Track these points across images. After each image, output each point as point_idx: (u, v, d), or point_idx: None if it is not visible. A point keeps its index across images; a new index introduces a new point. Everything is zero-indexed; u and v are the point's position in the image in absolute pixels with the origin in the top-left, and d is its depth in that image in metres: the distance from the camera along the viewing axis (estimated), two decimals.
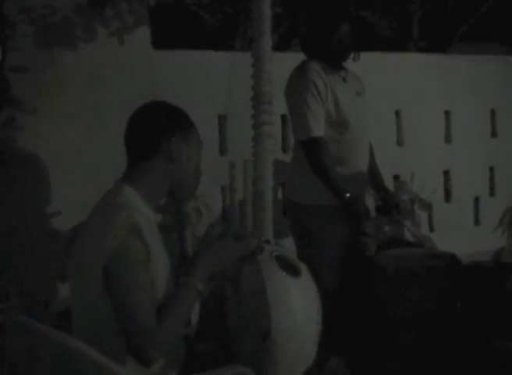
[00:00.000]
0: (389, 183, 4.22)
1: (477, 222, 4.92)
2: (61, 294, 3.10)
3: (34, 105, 3.09)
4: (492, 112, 4.96)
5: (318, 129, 2.85)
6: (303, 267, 2.04)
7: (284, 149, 3.98)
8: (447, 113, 4.72)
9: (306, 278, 2.01)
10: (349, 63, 3.04)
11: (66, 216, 3.16)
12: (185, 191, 1.89)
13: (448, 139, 4.74)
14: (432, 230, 4.59)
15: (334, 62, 2.97)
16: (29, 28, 3.10)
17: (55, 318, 2.63)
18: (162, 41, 3.91)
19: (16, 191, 3.11)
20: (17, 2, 3.07)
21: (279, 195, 3.17)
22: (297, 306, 1.93)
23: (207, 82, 3.63)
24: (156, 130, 1.82)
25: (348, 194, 2.82)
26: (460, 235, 4.62)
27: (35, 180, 3.18)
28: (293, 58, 3.00)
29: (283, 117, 3.82)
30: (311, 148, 2.86)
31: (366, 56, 4.10)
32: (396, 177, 4.39)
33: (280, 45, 6.19)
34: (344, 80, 3.00)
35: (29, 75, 3.06)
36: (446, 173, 4.72)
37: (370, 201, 3.17)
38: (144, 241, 1.70)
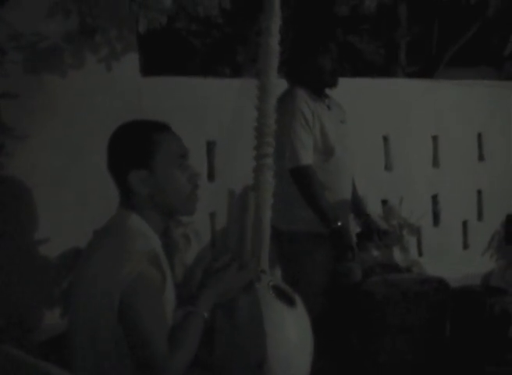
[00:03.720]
0: (378, 209, 4.23)
1: (465, 245, 4.93)
2: (46, 322, 3.08)
3: (23, 130, 3.09)
4: (479, 136, 5.00)
5: (307, 157, 2.86)
6: (297, 298, 2.04)
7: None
8: (435, 138, 4.76)
9: (301, 309, 2.02)
10: (336, 89, 3.07)
11: (55, 242, 3.14)
12: (177, 202, 1.83)
13: (436, 163, 4.77)
14: (420, 254, 4.60)
15: (319, 89, 3.00)
16: (18, 54, 3.10)
17: (39, 347, 2.60)
18: (151, 66, 3.93)
19: (4, 218, 3.10)
20: (6, 29, 3.08)
21: None
22: (293, 336, 1.93)
23: (195, 108, 3.64)
24: (120, 159, 1.81)
25: (339, 223, 2.82)
26: (449, 259, 4.63)
27: (24, 206, 3.16)
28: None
29: None
30: (300, 176, 2.86)
31: (354, 82, 4.16)
32: (384, 202, 4.40)
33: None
34: (329, 107, 3.03)
35: (18, 101, 3.06)
36: (435, 197, 4.74)
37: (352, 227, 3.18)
38: (162, 270, 1.71)
